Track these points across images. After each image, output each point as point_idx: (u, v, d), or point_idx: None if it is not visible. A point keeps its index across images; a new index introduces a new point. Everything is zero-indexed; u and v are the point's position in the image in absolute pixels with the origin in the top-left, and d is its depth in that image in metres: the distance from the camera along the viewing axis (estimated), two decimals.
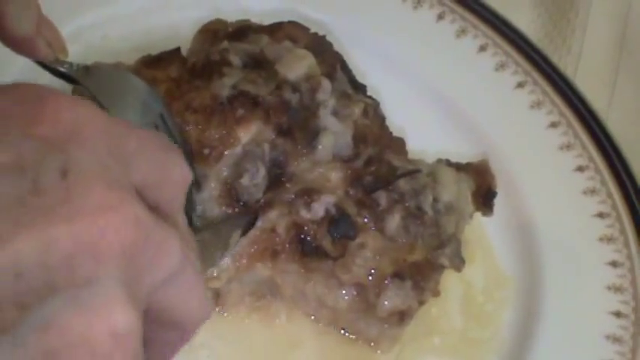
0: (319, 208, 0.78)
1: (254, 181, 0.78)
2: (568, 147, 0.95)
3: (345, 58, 0.92)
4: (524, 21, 1.09)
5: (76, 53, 0.93)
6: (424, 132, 0.94)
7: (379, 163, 0.82)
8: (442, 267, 0.80)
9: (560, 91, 0.98)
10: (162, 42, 0.87)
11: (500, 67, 1.00)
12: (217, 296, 0.81)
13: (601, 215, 0.91)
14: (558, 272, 0.88)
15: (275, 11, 0.96)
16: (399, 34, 1.02)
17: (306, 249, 0.77)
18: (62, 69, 0.69)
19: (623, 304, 0.86)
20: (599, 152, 0.94)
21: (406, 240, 0.79)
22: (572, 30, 1.11)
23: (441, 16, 1.03)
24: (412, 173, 0.82)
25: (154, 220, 0.40)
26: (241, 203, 0.78)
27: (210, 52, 0.84)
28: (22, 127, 0.39)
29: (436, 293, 0.80)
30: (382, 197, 0.80)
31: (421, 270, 0.79)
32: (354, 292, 0.79)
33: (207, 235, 0.75)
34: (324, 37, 0.92)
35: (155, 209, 0.43)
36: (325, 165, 0.81)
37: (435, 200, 0.81)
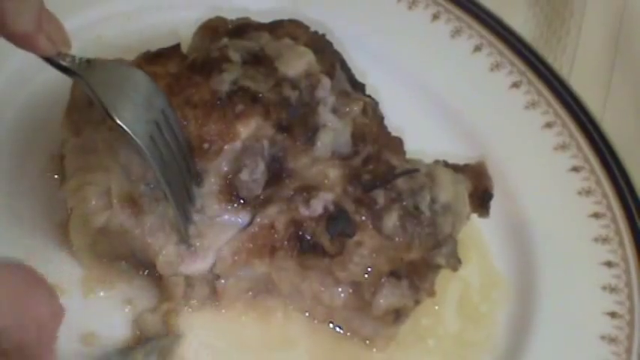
0: (318, 205, 0.78)
1: (253, 176, 0.78)
2: (563, 147, 0.95)
3: (344, 57, 0.92)
4: (519, 21, 1.09)
5: (72, 52, 0.93)
6: (420, 131, 0.94)
7: (377, 161, 0.82)
8: (438, 267, 0.80)
9: (555, 92, 0.98)
10: (160, 41, 0.86)
11: (495, 67, 1.00)
12: (214, 293, 0.81)
13: (596, 216, 0.91)
14: (553, 272, 0.88)
15: (274, 10, 0.96)
16: (394, 34, 1.02)
17: (304, 246, 0.77)
18: (64, 63, 0.68)
19: (618, 305, 0.86)
20: (594, 152, 0.94)
21: (403, 239, 0.79)
22: (567, 30, 1.11)
23: (436, 16, 1.03)
24: (410, 173, 0.82)
25: None
26: (240, 199, 0.78)
27: (210, 49, 0.84)
28: None
29: (431, 293, 0.80)
30: (380, 196, 0.80)
31: (417, 269, 0.79)
32: (350, 290, 0.79)
33: None
34: (323, 35, 0.92)
35: (17, 350, 0.42)
36: (324, 162, 0.81)
37: (433, 200, 0.81)
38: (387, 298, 0.78)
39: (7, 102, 0.89)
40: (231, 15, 0.91)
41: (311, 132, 0.81)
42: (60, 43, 0.66)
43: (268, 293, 0.82)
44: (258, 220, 0.78)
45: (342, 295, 0.79)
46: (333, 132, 0.82)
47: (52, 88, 0.88)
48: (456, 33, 1.02)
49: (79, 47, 0.92)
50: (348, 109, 0.84)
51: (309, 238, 0.77)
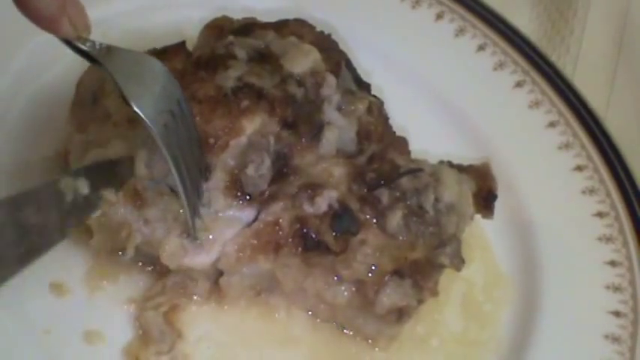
0: (322, 203, 0.78)
1: (259, 171, 0.78)
2: (567, 146, 0.95)
3: (350, 57, 0.92)
4: (523, 20, 1.09)
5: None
6: (424, 131, 0.94)
7: (382, 160, 0.82)
8: (442, 266, 0.80)
9: (558, 91, 0.98)
10: (165, 40, 0.86)
11: (499, 66, 1.00)
12: (217, 289, 0.81)
13: (600, 215, 0.91)
14: (557, 271, 0.88)
15: (279, 10, 0.96)
16: (397, 33, 1.02)
17: (308, 243, 0.77)
18: (84, 47, 0.68)
19: (622, 304, 0.86)
20: (598, 151, 0.94)
21: (407, 238, 0.79)
22: (571, 30, 1.11)
23: (439, 16, 1.03)
24: (414, 172, 0.82)
25: None
26: (246, 195, 0.78)
27: (216, 46, 0.84)
28: None
29: (435, 293, 0.80)
30: (384, 194, 0.80)
31: (421, 268, 0.79)
32: (353, 289, 0.79)
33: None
34: (329, 35, 0.92)
35: None
36: (329, 160, 0.81)
37: (437, 200, 0.81)
38: (390, 296, 0.78)
39: (13, 99, 0.89)
40: (236, 15, 0.91)
41: (316, 129, 0.81)
42: (81, 28, 0.66)
43: (271, 291, 0.82)
44: (263, 216, 0.78)
45: (346, 293, 0.79)
46: (338, 130, 0.82)
47: (58, 86, 0.89)
48: (460, 32, 1.02)
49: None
50: (353, 108, 0.84)
51: (313, 235, 0.77)
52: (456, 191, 0.83)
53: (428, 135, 0.94)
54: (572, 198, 0.93)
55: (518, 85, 0.99)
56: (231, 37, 0.85)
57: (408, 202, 0.80)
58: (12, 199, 0.67)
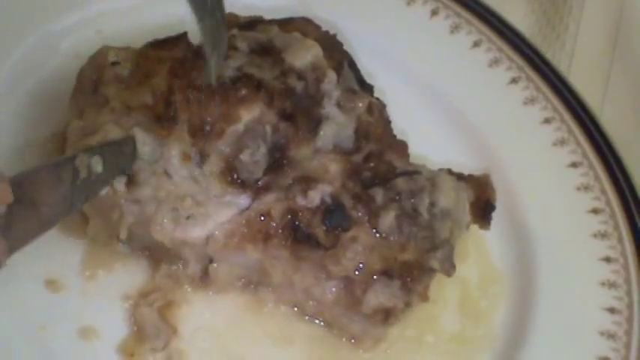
0: (315, 197, 0.78)
1: (254, 157, 0.78)
2: (562, 143, 0.95)
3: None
4: (518, 17, 1.09)
5: (71, 47, 0.93)
6: (421, 130, 0.94)
7: (379, 160, 0.82)
8: (432, 270, 0.80)
9: (553, 87, 0.98)
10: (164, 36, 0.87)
11: (494, 63, 1.00)
12: (206, 275, 0.81)
13: (595, 211, 0.91)
14: (552, 268, 0.88)
15: (282, 9, 0.95)
16: (392, 29, 1.01)
17: (298, 236, 0.77)
18: None
19: (617, 300, 0.86)
20: (593, 148, 0.94)
21: (398, 239, 0.79)
22: (566, 26, 1.11)
23: (435, 12, 1.03)
24: (411, 174, 0.81)
25: None
26: (240, 181, 0.78)
27: None
28: None
29: (424, 298, 0.80)
30: (379, 194, 0.79)
31: (411, 271, 0.78)
32: (342, 286, 0.78)
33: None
34: (334, 35, 0.92)
35: None
36: (325, 155, 0.81)
37: (432, 204, 0.81)
38: (377, 296, 0.78)
39: (15, 88, 0.89)
40: (238, 12, 0.91)
41: (314, 123, 0.81)
42: None
43: (259, 285, 0.82)
44: (255, 205, 0.78)
45: (334, 289, 0.79)
46: (337, 125, 0.82)
47: (60, 75, 0.89)
48: (455, 29, 1.02)
49: (78, 42, 0.93)
50: (352, 105, 0.84)
51: (304, 228, 0.77)
52: (453, 197, 0.82)
53: (425, 134, 0.94)
54: (567, 194, 0.93)
55: (513, 81, 0.99)
56: (235, 30, 0.85)
57: (403, 204, 0.80)
58: (26, 174, 0.67)
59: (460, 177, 0.87)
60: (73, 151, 0.76)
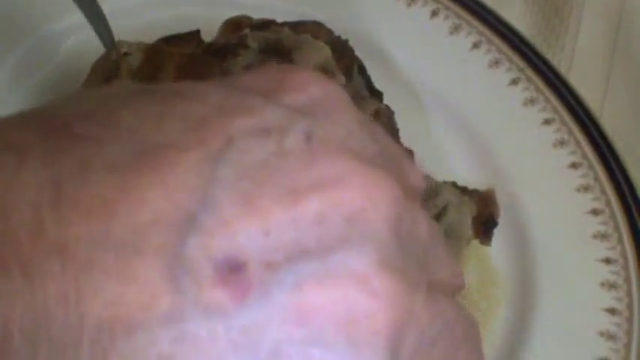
0: None
1: None
2: (562, 144, 0.95)
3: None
4: (517, 18, 1.09)
5: (73, 47, 0.93)
6: (417, 129, 0.94)
7: None
8: None
9: (553, 88, 0.98)
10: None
11: (494, 64, 1.00)
12: None
13: (595, 212, 0.91)
14: (551, 269, 0.88)
15: (283, 8, 0.95)
16: (392, 31, 1.01)
17: None
18: None
19: (617, 301, 0.86)
20: (593, 149, 0.94)
21: None
22: (566, 28, 1.11)
23: (434, 13, 1.03)
24: None
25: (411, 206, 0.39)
26: None
27: (230, 37, 0.84)
28: (265, 96, 0.39)
29: None
30: None
31: None
32: None
33: None
34: (346, 40, 0.91)
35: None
36: None
37: (435, 218, 0.80)
38: None
39: (16, 88, 0.89)
40: (239, 11, 0.91)
41: None
42: None
43: None
44: None
45: None
46: None
47: (61, 75, 0.89)
48: (455, 30, 1.02)
49: (81, 40, 0.93)
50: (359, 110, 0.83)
51: None
52: (455, 212, 0.82)
53: (424, 134, 0.94)
54: (566, 195, 0.92)
55: (513, 82, 0.99)
56: (247, 30, 0.85)
57: None
58: None
59: (464, 191, 0.86)
60: None
